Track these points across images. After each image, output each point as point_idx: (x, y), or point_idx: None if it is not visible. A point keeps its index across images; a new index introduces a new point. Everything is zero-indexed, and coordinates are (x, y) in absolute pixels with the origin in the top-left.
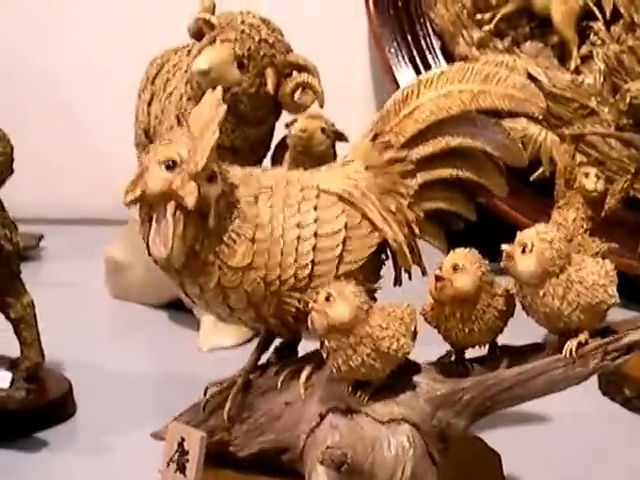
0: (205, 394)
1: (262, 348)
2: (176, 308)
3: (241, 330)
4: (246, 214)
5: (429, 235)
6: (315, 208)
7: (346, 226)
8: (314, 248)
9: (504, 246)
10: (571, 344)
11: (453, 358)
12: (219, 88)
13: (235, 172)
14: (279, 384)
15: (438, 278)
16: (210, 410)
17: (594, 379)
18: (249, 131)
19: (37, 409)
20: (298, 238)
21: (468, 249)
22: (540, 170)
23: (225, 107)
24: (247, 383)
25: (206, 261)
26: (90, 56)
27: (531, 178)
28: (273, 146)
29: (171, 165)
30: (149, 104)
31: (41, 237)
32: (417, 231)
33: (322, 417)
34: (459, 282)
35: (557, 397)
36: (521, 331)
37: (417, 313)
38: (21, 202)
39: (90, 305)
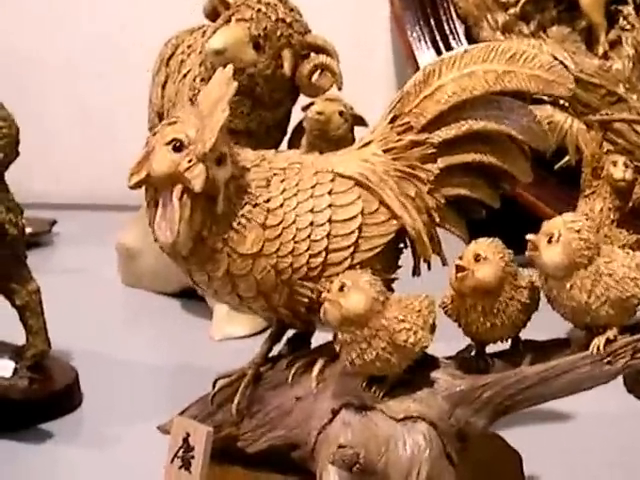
0: (214, 386)
1: (273, 339)
2: (188, 296)
3: (255, 320)
4: (257, 199)
5: (450, 223)
6: (330, 193)
7: (362, 212)
8: (328, 235)
9: (529, 236)
10: (599, 341)
11: (473, 353)
12: (230, 66)
13: (247, 155)
14: (290, 378)
15: (459, 268)
16: (218, 403)
17: (619, 377)
18: (265, 114)
19: (41, 399)
20: (311, 224)
21: (491, 239)
22: (566, 159)
23: (236, 85)
24: (257, 376)
25: (214, 248)
26: (102, 38)
27: (556, 167)
28: (290, 130)
29: (178, 146)
30: (163, 87)
31: (54, 222)
32: (437, 219)
33: (334, 413)
34: (481, 273)
35: (581, 395)
36: (546, 326)
37: (436, 305)
38: (34, 187)
39: (101, 292)
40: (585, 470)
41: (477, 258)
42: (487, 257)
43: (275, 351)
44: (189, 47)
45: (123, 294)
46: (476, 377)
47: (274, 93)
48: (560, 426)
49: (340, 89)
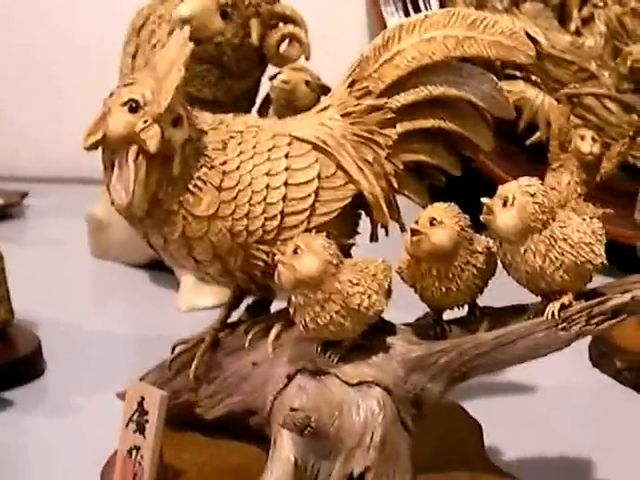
0: (172, 352)
1: (232, 305)
2: (157, 268)
3: (221, 291)
4: (213, 161)
5: (409, 190)
6: (287, 156)
7: (319, 176)
8: (284, 198)
9: (484, 199)
10: (553, 306)
11: (431, 320)
12: (187, 27)
13: (204, 118)
14: (247, 343)
15: (414, 232)
16: (176, 369)
17: (584, 350)
18: (233, 84)
19: (2, 366)
20: (267, 187)
21: (447, 203)
22: (537, 135)
23: (192, 46)
24: (215, 342)
25: (170, 210)
26: (72, 10)
27: (527, 142)
28: (259, 100)
29: (134, 107)
30: (133, 57)
31: (25, 194)
32: (395, 184)
33: (290, 378)
34: (436, 236)
35: (545, 368)
36: (505, 293)
37: (393, 270)
38: (6, 160)
39: (70, 264)
40: (546, 440)
41: (432, 222)
42: (442, 221)
43: (236, 318)
44: (160, 17)
45: (92, 266)
46: (432, 343)
47: (242, 63)
48: (524, 398)
49: (308, 59)
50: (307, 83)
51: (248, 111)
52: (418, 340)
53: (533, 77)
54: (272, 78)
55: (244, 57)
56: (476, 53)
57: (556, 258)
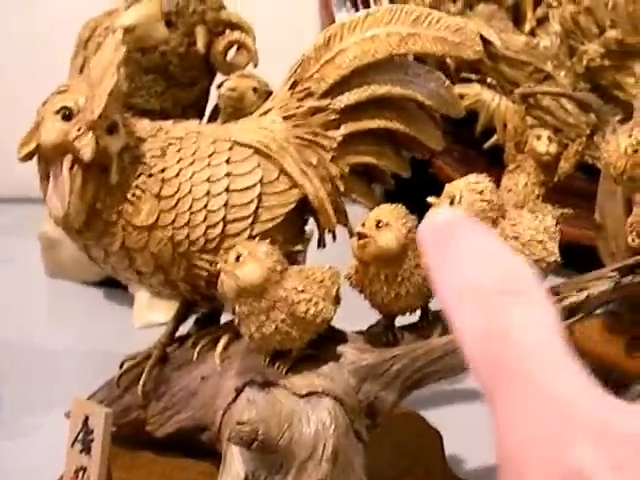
0: (121, 369)
1: (179, 318)
2: (112, 285)
3: (176, 306)
4: (152, 169)
5: (356, 192)
6: (227, 161)
7: (262, 181)
8: (226, 205)
9: (431, 198)
10: None
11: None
12: (119, 31)
13: (143, 125)
14: (195, 356)
15: (360, 235)
16: (124, 386)
17: None
18: (180, 94)
19: None
20: (208, 194)
21: (394, 205)
22: (494, 138)
23: (125, 49)
24: (163, 356)
25: (108, 220)
26: (23, 23)
27: (485, 146)
28: (209, 110)
29: (67, 115)
30: (81, 70)
31: None
32: (342, 188)
33: (238, 391)
34: (382, 239)
35: None
36: None
37: (341, 277)
38: None
39: (24, 283)
40: None
41: (379, 224)
42: (389, 223)
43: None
44: (107, 29)
45: (46, 285)
46: (384, 350)
47: (188, 71)
48: (483, 405)
49: (256, 66)
50: (255, 90)
51: (199, 120)
52: (369, 348)
53: (489, 80)
54: (219, 86)
55: (191, 66)
56: (420, 49)
57: None
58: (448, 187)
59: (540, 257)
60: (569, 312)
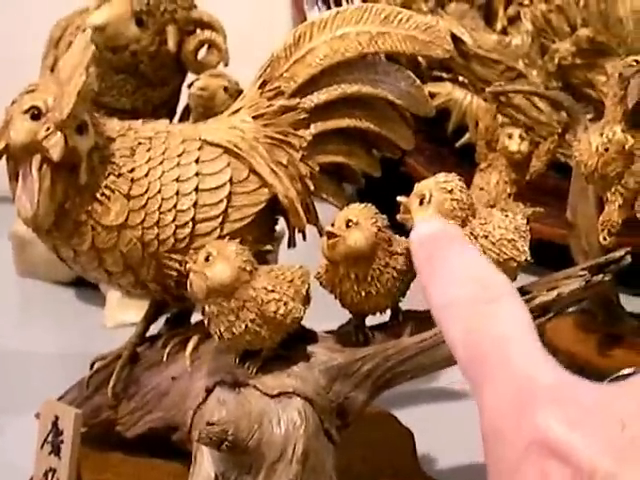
0: (91, 369)
1: (150, 318)
2: (83, 285)
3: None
4: (121, 168)
5: (326, 192)
6: (197, 161)
7: (231, 181)
8: (195, 205)
9: (400, 198)
10: None
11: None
12: (89, 30)
13: (112, 125)
14: (165, 357)
15: (329, 234)
16: (94, 387)
17: None
18: (151, 93)
19: None
20: (177, 194)
21: (364, 204)
22: (466, 136)
23: (94, 48)
24: (134, 356)
25: (78, 220)
26: None
27: (457, 145)
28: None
29: (36, 114)
30: (52, 69)
31: None
32: (312, 187)
33: (208, 392)
34: (352, 238)
35: None
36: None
37: (311, 276)
38: None
39: None
40: (481, 450)
41: (348, 224)
42: (359, 222)
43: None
44: (78, 28)
45: (17, 284)
46: (354, 350)
47: (159, 71)
48: (457, 405)
49: (227, 65)
50: (225, 89)
51: (169, 120)
52: (340, 348)
53: (460, 78)
54: (190, 85)
55: (162, 65)
56: (390, 48)
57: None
58: (417, 186)
59: (510, 256)
60: (540, 311)
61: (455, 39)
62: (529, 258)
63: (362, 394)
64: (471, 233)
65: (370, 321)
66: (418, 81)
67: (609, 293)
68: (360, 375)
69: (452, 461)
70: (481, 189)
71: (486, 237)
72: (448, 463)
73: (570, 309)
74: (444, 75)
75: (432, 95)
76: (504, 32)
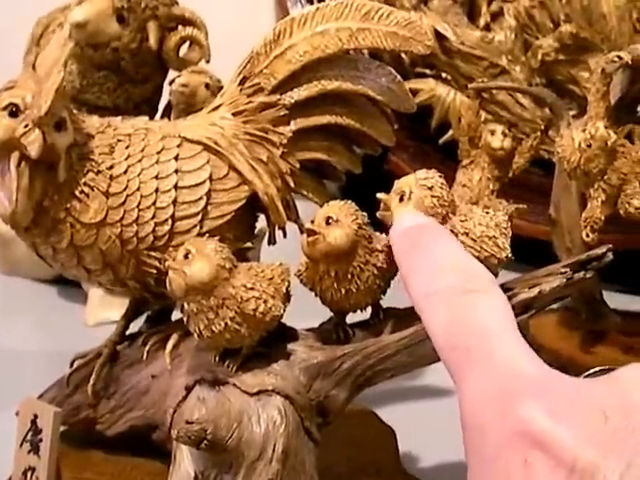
0: (71, 367)
1: (130, 316)
2: (65, 282)
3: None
4: (99, 166)
5: (307, 189)
6: (176, 158)
7: (211, 178)
8: (175, 202)
9: (380, 195)
10: None
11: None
12: (67, 26)
13: (91, 121)
14: (145, 355)
15: (309, 232)
16: (74, 385)
17: None
18: (133, 90)
19: None
20: (157, 191)
21: (344, 201)
22: (449, 133)
23: (72, 45)
24: (114, 354)
25: (56, 218)
26: None
27: (440, 141)
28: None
29: (14, 111)
30: (33, 67)
31: None
32: (292, 184)
33: (188, 390)
34: (332, 236)
35: None
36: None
37: (292, 274)
38: None
39: None
40: (462, 447)
41: (328, 221)
42: (339, 220)
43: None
44: (59, 25)
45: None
46: (335, 348)
47: (141, 68)
48: (440, 402)
49: (208, 62)
50: (207, 86)
51: (151, 117)
52: (320, 345)
53: (444, 74)
54: (171, 82)
55: (143, 62)
56: (371, 44)
57: None
58: (397, 183)
59: (491, 253)
60: (521, 308)
61: (438, 35)
62: (510, 255)
63: (343, 392)
64: (451, 230)
65: (351, 319)
66: (399, 77)
67: (592, 290)
68: (340, 373)
69: (434, 459)
70: (464, 186)
71: (467, 234)
72: (430, 461)
73: (553, 306)
74: (427, 71)
75: (415, 92)
76: (487, 28)
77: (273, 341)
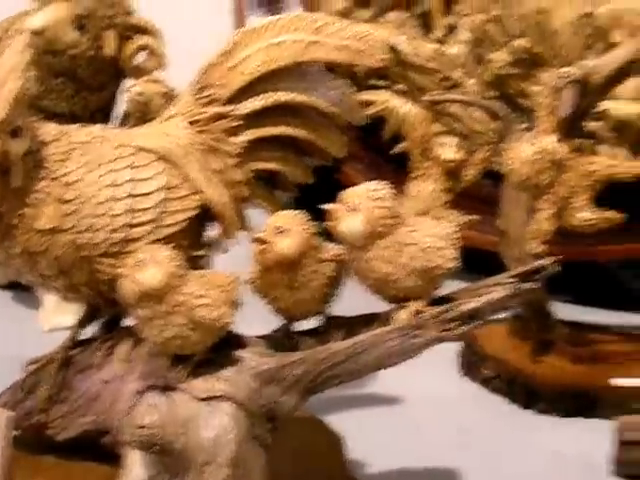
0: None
1: (84, 322)
2: (20, 288)
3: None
4: (54, 173)
5: (260, 198)
6: (131, 166)
7: (165, 186)
8: (129, 209)
9: (328, 205)
10: (404, 313)
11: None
12: (26, 33)
13: (47, 129)
14: (97, 361)
15: (259, 241)
16: (27, 390)
17: (454, 360)
18: (90, 97)
19: None
20: (111, 199)
21: (294, 211)
22: (402, 144)
23: (31, 52)
24: (67, 360)
25: (10, 224)
26: None
27: (392, 152)
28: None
29: None
30: None
31: None
32: (245, 194)
33: (139, 395)
34: (281, 245)
35: (415, 379)
36: (364, 302)
37: (242, 282)
38: None
39: None
40: (413, 452)
41: (278, 230)
42: (288, 229)
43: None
44: (17, 30)
45: None
46: (284, 355)
47: (98, 75)
48: (392, 410)
49: (164, 70)
50: (163, 95)
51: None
52: (270, 352)
53: (398, 87)
54: (128, 91)
55: (100, 70)
56: (324, 57)
57: (405, 264)
58: (345, 194)
59: (438, 264)
60: (467, 317)
61: (393, 48)
62: (458, 265)
63: (292, 398)
64: (399, 241)
65: (301, 326)
66: (351, 89)
67: (541, 301)
68: (290, 380)
69: (382, 465)
70: (415, 197)
71: (414, 244)
72: (376, 467)
73: (503, 317)
74: (381, 83)
75: (368, 103)
76: (442, 41)
77: (223, 348)
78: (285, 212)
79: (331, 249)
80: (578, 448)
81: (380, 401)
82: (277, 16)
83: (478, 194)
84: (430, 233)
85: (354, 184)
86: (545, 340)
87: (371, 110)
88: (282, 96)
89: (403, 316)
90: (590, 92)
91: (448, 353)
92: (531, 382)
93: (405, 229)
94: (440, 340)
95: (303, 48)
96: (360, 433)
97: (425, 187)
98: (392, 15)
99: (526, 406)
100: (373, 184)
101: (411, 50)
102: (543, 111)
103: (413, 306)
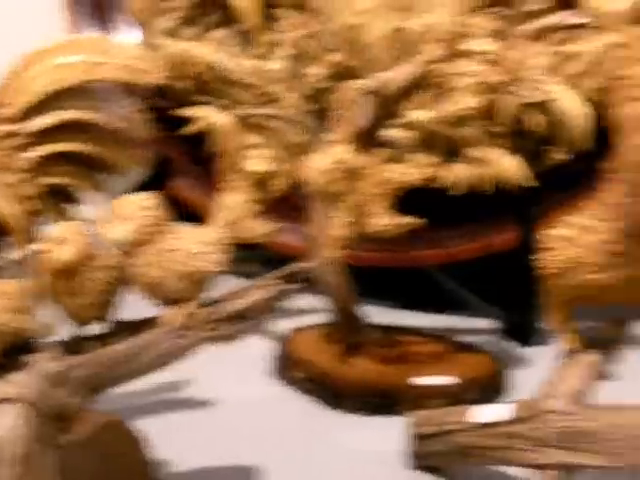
0: None
1: None
2: None
3: None
4: None
5: (54, 212)
6: None
7: None
8: None
9: (99, 214)
10: (174, 315)
11: (74, 335)
12: None
13: None
14: None
15: (39, 251)
16: None
17: (267, 363)
18: None
19: None
20: None
21: (73, 222)
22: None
23: None
24: None
25: None
26: None
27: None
28: None
29: None
30: None
31: None
32: (37, 207)
33: None
34: (57, 253)
35: (227, 382)
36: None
37: (32, 289)
38: None
39: None
40: (222, 452)
41: (55, 240)
42: (66, 238)
43: None
44: None
45: None
46: (72, 357)
47: None
48: (202, 413)
49: None
50: None
51: None
52: (60, 356)
53: (221, 102)
54: None
55: None
56: (109, 77)
57: (169, 268)
58: (117, 203)
59: (200, 268)
60: (235, 317)
61: (210, 64)
62: (221, 268)
63: (80, 398)
64: (164, 247)
65: (88, 330)
66: (139, 106)
67: (350, 305)
68: (77, 381)
69: (188, 466)
70: (226, 208)
71: (178, 250)
72: (184, 467)
73: (314, 322)
74: (205, 99)
75: (192, 119)
76: (264, 57)
77: (16, 352)
78: (63, 223)
79: (106, 257)
80: (377, 444)
81: (194, 404)
82: (62, 38)
83: (290, 203)
84: (196, 240)
85: (185, 198)
86: (355, 343)
87: (195, 125)
88: (68, 114)
89: (172, 318)
90: (386, 103)
91: (262, 357)
92: (339, 383)
93: (172, 236)
94: (209, 340)
95: (90, 68)
96: (170, 435)
97: (235, 198)
98: (216, 33)
99: (334, 406)
100: (143, 194)
101: (231, 66)
102: (338, 122)
103: (183, 308)
